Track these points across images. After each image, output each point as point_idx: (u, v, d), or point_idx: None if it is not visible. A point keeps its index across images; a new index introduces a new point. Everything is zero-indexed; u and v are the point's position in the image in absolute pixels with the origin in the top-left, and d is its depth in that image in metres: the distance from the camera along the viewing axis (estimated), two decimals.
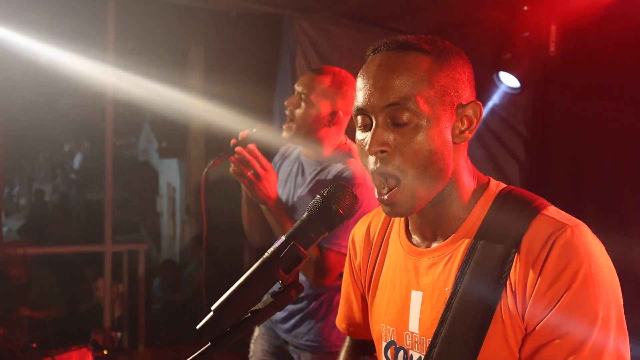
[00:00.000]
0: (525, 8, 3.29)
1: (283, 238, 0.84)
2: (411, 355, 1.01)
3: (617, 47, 3.06)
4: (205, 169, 1.79)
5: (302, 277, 1.89)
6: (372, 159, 0.94)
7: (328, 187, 0.90)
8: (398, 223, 1.11)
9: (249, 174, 1.76)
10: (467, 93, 0.99)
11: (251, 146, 1.78)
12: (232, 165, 1.79)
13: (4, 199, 4.37)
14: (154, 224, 11.32)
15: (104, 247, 4.20)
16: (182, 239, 9.28)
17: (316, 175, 1.92)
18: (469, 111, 0.98)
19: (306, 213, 0.88)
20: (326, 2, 4.25)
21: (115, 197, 4.53)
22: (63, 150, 15.23)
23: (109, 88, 4.12)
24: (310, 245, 0.85)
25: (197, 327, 0.79)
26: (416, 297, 1.01)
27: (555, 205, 0.96)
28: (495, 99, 3.49)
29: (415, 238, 1.06)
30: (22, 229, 7.57)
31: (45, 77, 4.17)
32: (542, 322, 0.88)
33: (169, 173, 10.73)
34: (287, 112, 1.95)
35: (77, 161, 14.71)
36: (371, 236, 1.16)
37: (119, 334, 4.41)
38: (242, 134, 1.79)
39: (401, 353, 1.03)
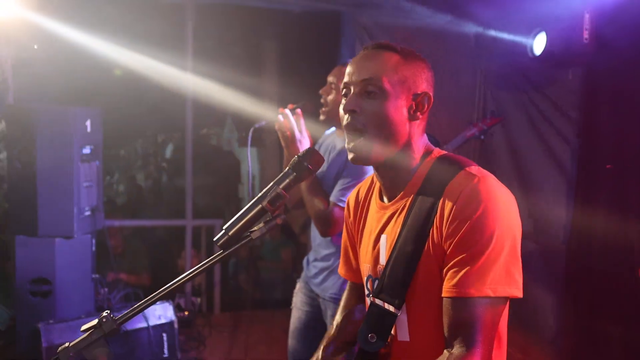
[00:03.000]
0: None
1: (271, 184, 1.24)
2: None
3: None
4: (251, 129, 2.26)
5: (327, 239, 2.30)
6: (345, 116, 1.32)
7: (303, 150, 1.29)
8: (376, 190, 1.47)
9: (288, 132, 2.18)
10: (423, 86, 1.34)
11: (298, 111, 2.23)
12: (277, 123, 2.24)
13: (105, 186, 5.09)
14: (237, 208, 12.07)
15: (185, 222, 4.81)
16: None
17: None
18: (422, 98, 1.34)
19: (288, 167, 1.27)
20: None
21: (202, 184, 5.17)
22: (157, 141, 16.41)
23: (190, 87, 4.68)
24: (289, 188, 1.24)
25: (214, 239, 1.21)
26: (383, 239, 1.37)
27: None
28: (514, 38, 3.65)
29: (385, 198, 1.41)
30: (119, 208, 8.46)
31: (136, 74, 4.78)
32: (452, 245, 1.21)
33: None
34: (322, 100, 2.35)
35: (168, 151, 15.84)
36: (359, 199, 1.54)
37: (198, 299, 5.00)
38: (290, 106, 2.23)
39: (377, 282, 1.38)
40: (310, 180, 2.23)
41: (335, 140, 2.41)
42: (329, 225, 2.20)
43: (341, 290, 2.32)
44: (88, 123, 3.90)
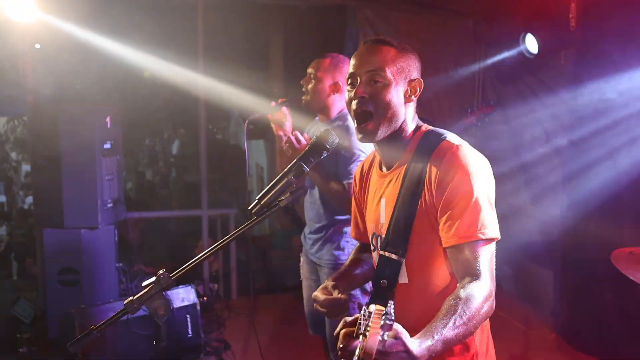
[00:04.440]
0: None
1: (294, 160, 1.46)
2: (383, 237, 1.61)
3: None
4: (247, 121, 2.51)
5: (319, 211, 2.62)
6: (355, 101, 1.54)
7: (320, 132, 1.51)
8: (376, 162, 1.72)
9: (280, 132, 2.48)
10: (415, 73, 1.59)
11: (284, 110, 2.50)
12: (270, 115, 2.51)
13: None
14: (247, 201, 12.30)
15: (201, 212, 5.06)
16: None
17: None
18: (415, 84, 1.58)
19: (308, 146, 1.49)
20: None
21: (211, 178, 5.41)
22: (163, 137, 16.67)
23: (201, 85, 4.89)
24: (309, 164, 1.47)
25: (249, 208, 1.43)
26: (383, 202, 1.62)
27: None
28: (508, 54, 3.86)
29: (384, 167, 1.66)
30: (131, 204, 8.73)
31: (148, 72, 4.98)
32: (441, 202, 1.46)
33: (257, 154, 11.60)
34: (303, 90, 2.64)
35: (175, 147, 16.10)
36: (363, 172, 1.79)
37: (215, 286, 5.24)
38: (280, 100, 2.49)
39: (379, 238, 1.63)
40: (320, 169, 2.49)
41: (320, 127, 2.70)
42: (350, 203, 2.46)
43: (333, 256, 2.64)
44: (108, 119, 4.12)
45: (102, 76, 4.86)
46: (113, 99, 5.20)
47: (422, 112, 4.64)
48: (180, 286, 3.95)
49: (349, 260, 1.89)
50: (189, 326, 3.83)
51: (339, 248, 2.62)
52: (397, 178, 1.58)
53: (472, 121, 3.49)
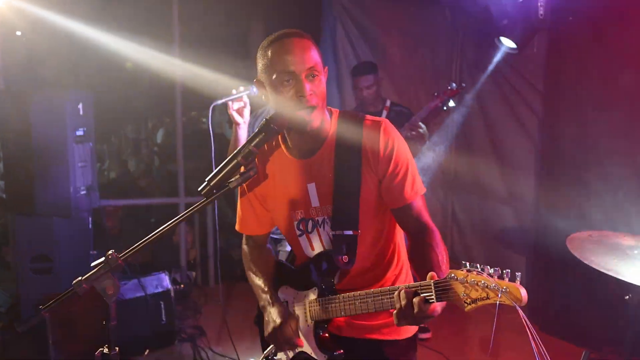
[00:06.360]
0: None
1: (244, 142, 1.46)
2: (317, 219, 1.70)
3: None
4: (212, 105, 2.55)
5: None
6: (302, 98, 1.55)
7: (271, 114, 1.51)
8: (282, 148, 1.72)
9: (238, 118, 2.63)
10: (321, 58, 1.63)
11: (244, 97, 2.59)
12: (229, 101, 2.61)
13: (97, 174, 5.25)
14: (231, 191, 12.28)
15: (178, 200, 5.05)
16: None
17: None
18: (325, 70, 1.64)
19: (257, 128, 1.49)
20: None
21: (194, 167, 5.39)
22: (147, 127, 16.51)
23: (178, 71, 4.86)
24: (259, 146, 1.48)
25: (199, 189, 1.43)
26: (311, 187, 1.68)
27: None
28: (498, 58, 3.93)
29: (295, 151, 1.70)
30: (112, 194, 8.66)
31: (125, 59, 4.94)
32: (386, 175, 1.60)
33: (240, 142, 11.55)
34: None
35: (159, 136, 15.97)
36: (266, 159, 1.76)
37: (193, 273, 5.24)
38: (241, 88, 2.53)
39: (310, 222, 1.71)
40: None
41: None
42: None
43: None
44: (80, 106, 4.08)
45: (75, 62, 4.81)
46: (87, 85, 5.15)
47: (400, 100, 4.69)
48: (154, 273, 3.96)
49: (258, 267, 1.94)
50: (163, 313, 3.84)
51: None
52: (326, 160, 1.65)
53: (437, 104, 3.53)
